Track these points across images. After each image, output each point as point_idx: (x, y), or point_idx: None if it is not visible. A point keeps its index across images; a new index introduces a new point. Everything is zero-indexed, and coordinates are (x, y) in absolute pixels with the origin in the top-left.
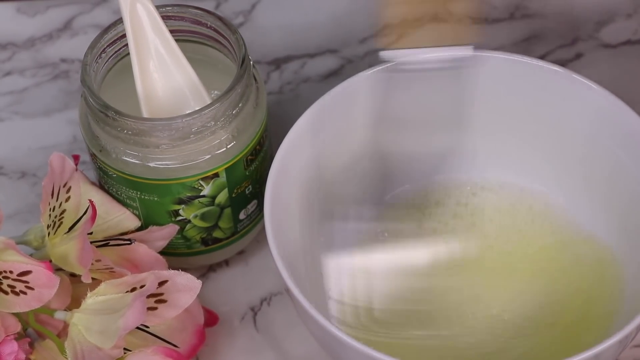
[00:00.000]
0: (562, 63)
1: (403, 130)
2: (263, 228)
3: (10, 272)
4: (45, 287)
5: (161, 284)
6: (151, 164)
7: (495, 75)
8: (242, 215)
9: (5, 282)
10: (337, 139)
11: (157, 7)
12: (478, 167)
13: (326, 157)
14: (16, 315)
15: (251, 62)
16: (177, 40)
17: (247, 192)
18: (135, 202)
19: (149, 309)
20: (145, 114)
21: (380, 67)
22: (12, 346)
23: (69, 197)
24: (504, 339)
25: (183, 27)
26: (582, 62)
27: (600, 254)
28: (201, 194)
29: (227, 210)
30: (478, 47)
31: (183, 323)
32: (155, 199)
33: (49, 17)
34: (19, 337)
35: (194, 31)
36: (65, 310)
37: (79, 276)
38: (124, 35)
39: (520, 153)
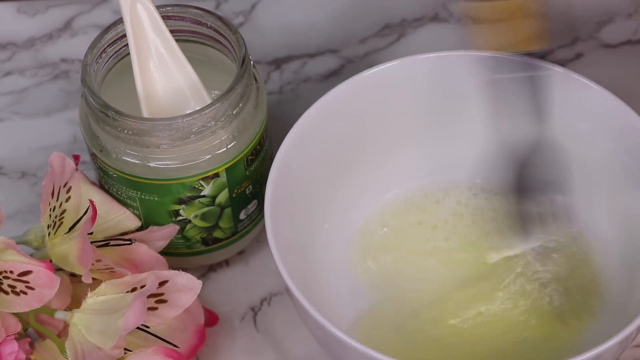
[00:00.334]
0: (562, 63)
1: (403, 130)
2: (263, 228)
3: (11, 272)
4: (45, 287)
5: (161, 284)
6: (151, 164)
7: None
8: (242, 215)
9: (6, 282)
10: (337, 139)
11: (157, 7)
12: (478, 168)
13: (326, 157)
14: (16, 315)
15: (251, 62)
16: (177, 40)
17: (247, 192)
18: (136, 202)
19: (150, 309)
20: (145, 114)
21: (380, 67)
22: (13, 346)
23: (69, 197)
24: (501, 340)
25: (183, 27)
26: (582, 62)
27: (600, 254)
28: (201, 194)
29: (228, 210)
30: (479, 47)
31: (183, 323)
32: (156, 199)
33: (49, 17)
34: (19, 337)
35: (194, 31)
36: (65, 310)
37: (79, 276)
38: (124, 35)
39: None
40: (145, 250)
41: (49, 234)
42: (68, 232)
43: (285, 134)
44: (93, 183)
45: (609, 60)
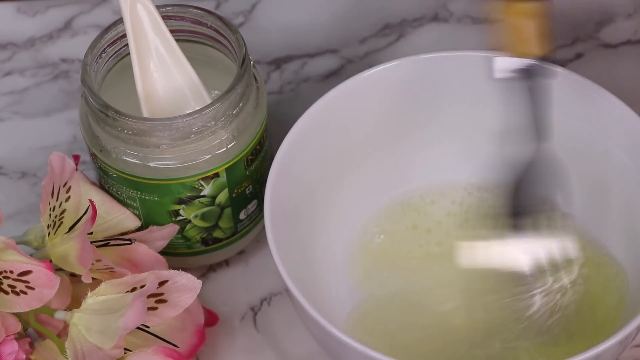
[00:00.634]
0: (562, 63)
1: (402, 131)
2: (263, 228)
3: (11, 272)
4: (45, 287)
5: (161, 284)
6: (151, 164)
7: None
8: (242, 215)
9: (6, 282)
10: (336, 140)
11: (158, 7)
12: (475, 167)
13: (326, 157)
14: (16, 315)
15: (251, 62)
16: (177, 40)
17: (247, 192)
18: (136, 202)
19: (149, 308)
20: (145, 114)
21: (380, 68)
22: (13, 346)
23: (69, 197)
24: (500, 341)
25: (183, 27)
26: (582, 62)
27: (599, 256)
28: (201, 194)
29: (228, 210)
30: (479, 47)
31: (183, 323)
32: (156, 199)
33: (49, 17)
34: (19, 337)
35: (194, 31)
36: (65, 310)
37: (79, 276)
38: (124, 35)
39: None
40: (145, 250)
41: (49, 234)
42: (68, 232)
43: (285, 134)
44: (93, 183)
45: (609, 60)
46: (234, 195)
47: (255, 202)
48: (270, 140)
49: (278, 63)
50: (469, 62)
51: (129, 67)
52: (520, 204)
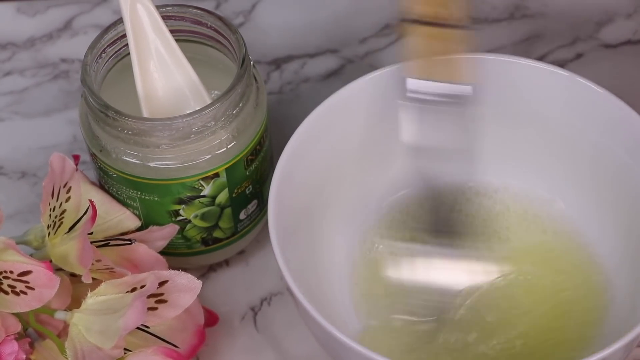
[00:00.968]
0: (562, 63)
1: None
2: (263, 228)
3: (11, 272)
4: (45, 287)
5: (161, 284)
6: (151, 164)
7: (497, 78)
8: (242, 215)
9: (6, 282)
10: (339, 143)
11: (157, 7)
12: (474, 172)
13: (329, 160)
14: (16, 315)
15: (251, 62)
16: (177, 40)
17: (247, 192)
18: (136, 202)
19: (149, 309)
20: (145, 114)
21: (382, 71)
22: (13, 346)
23: (69, 197)
24: (497, 349)
25: (183, 27)
26: (582, 62)
27: (597, 259)
28: (201, 194)
29: (228, 210)
30: (479, 48)
31: (183, 323)
32: (156, 199)
33: (49, 17)
34: (19, 337)
35: (194, 31)
36: (65, 310)
37: (79, 276)
38: (124, 35)
39: (517, 157)
40: (145, 250)
41: (49, 234)
42: (68, 232)
43: (285, 133)
44: (93, 183)
45: (609, 60)
46: (234, 195)
47: (255, 202)
48: (270, 141)
49: (278, 63)
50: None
51: (129, 67)
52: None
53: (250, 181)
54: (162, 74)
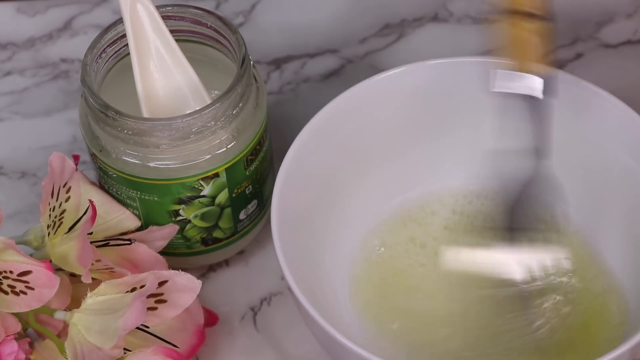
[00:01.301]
0: (562, 63)
1: (404, 137)
2: (263, 228)
3: (11, 272)
4: (45, 287)
5: (161, 284)
6: (151, 164)
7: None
8: (242, 215)
9: (5, 282)
10: (343, 145)
11: (157, 7)
12: (474, 174)
13: (332, 163)
14: (16, 315)
15: (251, 62)
16: (177, 40)
17: (247, 192)
18: (135, 202)
19: (149, 309)
20: (145, 114)
21: (384, 75)
22: (12, 346)
23: (68, 197)
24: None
25: (183, 27)
26: (582, 62)
27: (600, 261)
28: (201, 194)
29: (227, 210)
30: (479, 50)
31: (183, 323)
32: (156, 199)
33: (49, 17)
34: (19, 337)
35: (194, 31)
36: (65, 310)
37: (79, 276)
38: (124, 35)
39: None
40: (145, 250)
41: (49, 234)
42: (68, 232)
43: (285, 134)
44: (93, 183)
45: (609, 60)
46: (233, 195)
47: (255, 202)
48: (270, 141)
49: (278, 63)
50: (472, 69)
51: (129, 67)
52: (517, 220)
53: (250, 181)
54: (162, 74)
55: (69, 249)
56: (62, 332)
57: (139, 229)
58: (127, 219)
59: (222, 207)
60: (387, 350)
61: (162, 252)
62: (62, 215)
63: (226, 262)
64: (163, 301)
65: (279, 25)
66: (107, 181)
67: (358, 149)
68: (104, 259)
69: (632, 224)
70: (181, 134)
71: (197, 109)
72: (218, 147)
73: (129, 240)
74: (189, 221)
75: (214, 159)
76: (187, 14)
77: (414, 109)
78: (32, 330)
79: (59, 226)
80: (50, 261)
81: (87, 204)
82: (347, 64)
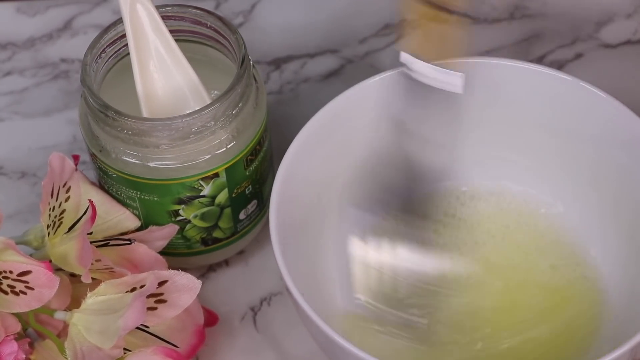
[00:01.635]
0: (562, 63)
1: (405, 138)
2: (263, 228)
3: (10, 272)
4: (45, 287)
5: (161, 284)
6: (151, 164)
7: (495, 81)
8: (242, 215)
9: (5, 282)
10: (341, 145)
11: (157, 7)
12: (470, 175)
13: (330, 164)
14: (16, 315)
15: (251, 62)
16: (177, 40)
17: (247, 192)
18: (135, 202)
19: (149, 309)
20: (145, 114)
21: (384, 75)
22: (12, 346)
23: (68, 197)
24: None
25: (183, 27)
26: (582, 62)
27: (591, 259)
28: (201, 194)
29: (227, 210)
30: (479, 49)
31: (183, 323)
32: (155, 199)
33: (49, 17)
34: (19, 337)
35: (194, 31)
36: (65, 310)
37: (79, 276)
38: (124, 35)
39: (516, 159)
40: (145, 250)
41: (49, 234)
42: (68, 232)
43: (285, 134)
44: (93, 183)
45: (609, 60)
46: (233, 195)
47: (255, 202)
48: (270, 141)
49: (278, 63)
50: (472, 69)
51: (129, 67)
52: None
53: (249, 181)
54: (162, 74)
55: (68, 249)
56: (62, 332)
57: (138, 229)
58: (127, 219)
59: (222, 207)
60: (384, 351)
61: (162, 252)
62: (62, 215)
63: (226, 262)
64: (163, 301)
65: (279, 25)
66: (107, 181)
67: (357, 149)
68: (103, 259)
69: (629, 223)
70: (181, 134)
71: (197, 109)
72: (218, 147)
73: (128, 240)
74: (189, 221)
75: (213, 159)
76: (187, 14)
77: (412, 109)
78: (32, 330)
79: (58, 226)
80: (50, 261)
81: (87, 204)
82: (347, 64)
